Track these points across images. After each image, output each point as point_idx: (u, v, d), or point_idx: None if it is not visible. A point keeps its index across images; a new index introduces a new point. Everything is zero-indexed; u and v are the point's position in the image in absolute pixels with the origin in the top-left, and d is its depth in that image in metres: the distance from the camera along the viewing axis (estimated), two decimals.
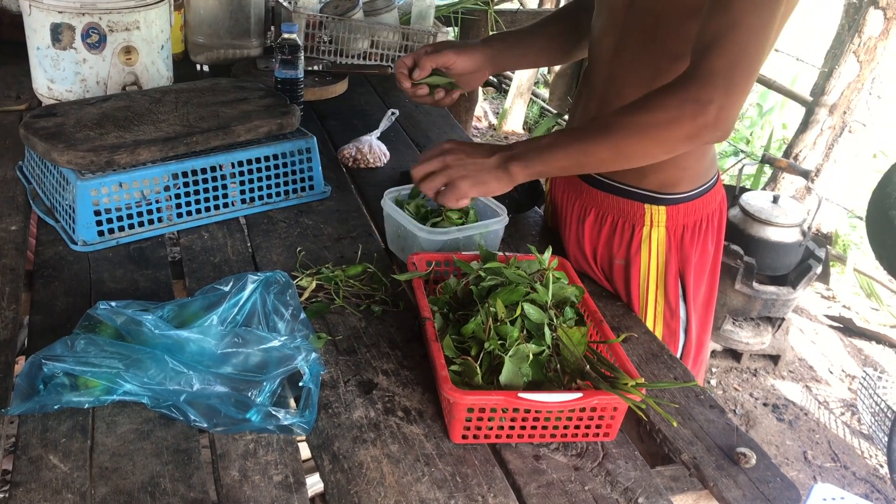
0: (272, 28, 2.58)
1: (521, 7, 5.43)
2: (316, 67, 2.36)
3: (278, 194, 1.67)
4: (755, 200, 3.22)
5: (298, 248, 1.53)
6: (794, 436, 3.12)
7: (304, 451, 1.09)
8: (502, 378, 1.10)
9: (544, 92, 5.93)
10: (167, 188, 1.53)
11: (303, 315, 1.23)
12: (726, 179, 4.33)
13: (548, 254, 1.31)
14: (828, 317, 3.96)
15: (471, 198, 1.28)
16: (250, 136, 1.60)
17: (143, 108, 1.62)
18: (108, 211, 1.47)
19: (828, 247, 3.87)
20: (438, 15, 2.81)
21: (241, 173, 1.61)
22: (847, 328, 3.87)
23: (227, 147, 1.59)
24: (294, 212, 1.67)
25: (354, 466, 1.05)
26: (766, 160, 3.56)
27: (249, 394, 1.08)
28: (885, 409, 2.98)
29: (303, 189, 1.70)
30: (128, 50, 1.84)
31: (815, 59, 4.50)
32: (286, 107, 1.69)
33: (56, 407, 1.06)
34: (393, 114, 2.08)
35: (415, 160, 1.99)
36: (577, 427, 1.12)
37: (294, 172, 1.68)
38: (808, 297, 4.08)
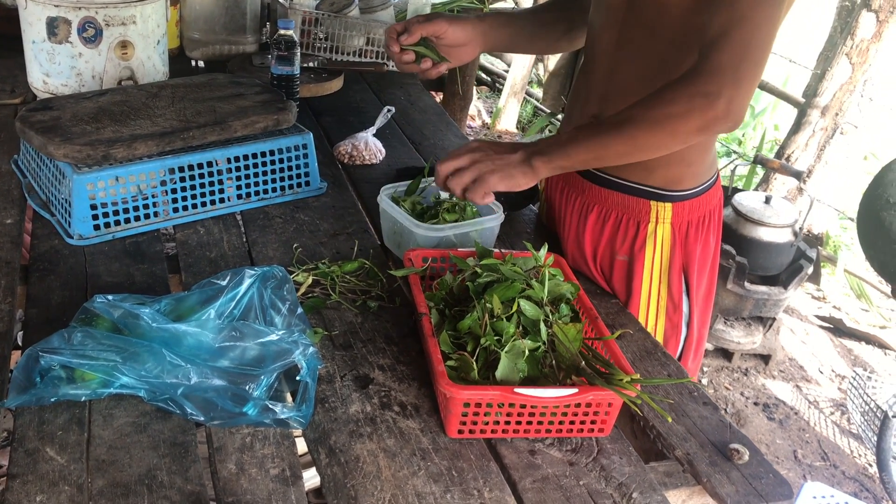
0: (268, 24, 2.58)
1: (516, 6, 5.43)
2: (312, 64, 2.36)
3: (274, 190, 1.68)
4: (747, 201, 3.23)
5: (295, 244, 1.53)
6: (784, 435, 3.14)
7: (301, 445, 1.10)
8: (498, 373, 1.11)
9: (538, 91, 5.93)
10: (163, 183, 1.53)
11: (300, 310, 1.23)
12: None
13: (544, 251, 1.32)
14: (818, 317, 3.98)
15: (497, 191, 1.32)
16: (247, 132, 1.60)
17: (139, 102, 1.62)
18: (104, 205, 1.47)
19: (819, 247, 3.90)
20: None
21: (238, 169, 1.61)
22: (837, 328, 3.89)
23: (224, 142, 1.59)
24: (290, 207, 1.67)
25: (351, 460, 1.05)
26: (758, 161, 3.58)
27: (246, 387, 1.08)
28: (875, 409, 3.00)
29: (299, 185, 1.71)
30: (124, 45, 1.84)
31: (807, 60, 4.52)
32: (282, 103, 1.69)
33: (53, 399, 1.06)
34: (389, 111, 2.08)
35: (410, 157, 2.00)
36: (572, 423, 1.13)
37: (290, 168, 1.69)
38: (799, 297, 4.10)
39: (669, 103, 1.20)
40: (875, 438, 2.75)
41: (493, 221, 1.50)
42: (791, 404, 3.32)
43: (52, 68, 1.83)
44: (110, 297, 1.14)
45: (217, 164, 1.58)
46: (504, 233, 1.64)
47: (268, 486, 1.00)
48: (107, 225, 1.48)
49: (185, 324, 1.11)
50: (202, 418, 1.07)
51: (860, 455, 3.10)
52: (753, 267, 3.16)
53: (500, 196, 1.61)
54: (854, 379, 3.17)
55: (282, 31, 1.88)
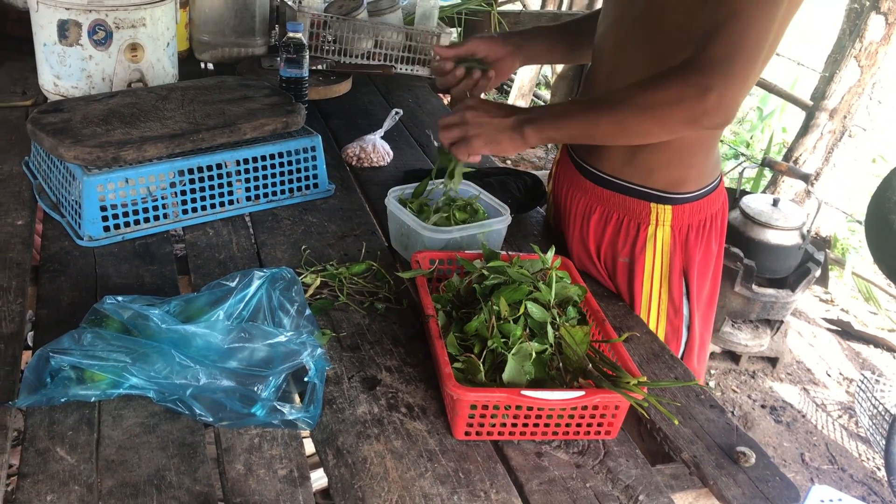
0: (277, 27, 2.59)
1: (524, 8, 5.44)
2: (320, 67, 2.37)
3: (283, 192, 1.69)
4: (755, 203, 3.23)
5: (303, 246, 1.54)
6: (791, 438, 3.13)
7: (309, 446, 1.10)
8: (505, 376, 1.11)
9: (546, 93, 5.93)
10: (173, 185, 1.54)
11: (308, 311, 1.24)
12: (726, 182, 4.33)
13: (551, 253, 1.32)
14: (826, 320, 3.97)
15: (481, 154, 1.36)
16: (256, 134, 1.61)
17: (149, 104, 1.63)
18: (114, 206, 1.48)
19: (827, 250, 3.88)
20: (442, 15, 2.82)
21: (247, 171, 1.62)
22: (845, 331, 3.88)
23: (233, 144, 1.60)
24: (298, 209, 1.68)
25: (358, 461, 1.06)
26: (766, 163, 3.57)
27: (255, 388, 1.09)
28: (883, 413, 2.99)
29: (307, 187, 1.72)
30: (134, 47, 1.85)
31: (815, 63, 4.51)
32: (291, 105, 1.70)
33: (63, 400, 1.07)
34: (396, 113, 2.09)
35: (418, 159, 2.01)
36: (578, 425, 1.13)
37: (299, 170, 1.69)
38: (807, 300, 4.09)
39: (660, 91, 1.20)
40: (883, 442, 2.74)
41: (501, 223, 1.51)
42: (798, 407, 3.31)
43: (62, 70, 1.85)
44: (120, 299, 1.15)
45: (226, 166, 1.59)
46: (511, 234, 1.64)
47: (276, 486, 1.01)
48: (116, 226, 1.49)
49: (194, 325, 1.12)
50: (211, 419, 1.08)
51: (868, 458, 3.09)
52: (761, 270, 3.16)
53: (507, 198, 1.63)
54: (862, 382, 3.16)
55: (290, 34, 1.89)
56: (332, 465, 1.05)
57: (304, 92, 1.97)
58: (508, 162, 5.11)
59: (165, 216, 1.54)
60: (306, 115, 1.73)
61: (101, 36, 1.81)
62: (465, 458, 1.09)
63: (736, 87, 1.17)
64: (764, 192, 4.35)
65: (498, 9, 3.29)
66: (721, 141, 1.55)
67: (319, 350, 1.14)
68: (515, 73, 5.53)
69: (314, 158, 1.71)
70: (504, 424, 1.11)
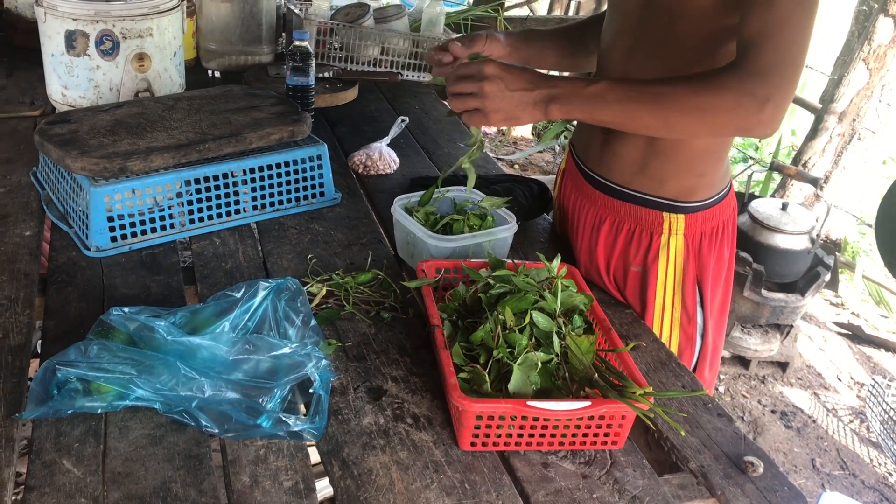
0: (283, 35, 2.60)
1: (531, 14, 5.44)
2: (327, 74, 2.38)
3: (289, 201, 1.69)
4: (764, 208, 3.22)
5: (309, 255, 1.54)
6: (802, 443, 3.11)
7: (314, 457, 1.10)
8: (511, 386, 1.11)
9: None
10: (179, 195, 1.54)
11: (313, 321, 1.24)
12: (735, 186, 4.32)
13: (556, 262, 1.32)
14: (836, 324, 3.95)
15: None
16: (262, 144, 1.62)
17: (155, 114, 1.63)
18: (120, 217, 1.48)
19: (837, 254, 3.86)
20: (448, 22, 2.82)
21: (253, 180, 1.62)
22: (856, 335, 3.86)
23: (239, 154, 1.60)
24: (305, 218, 1.68)
25: (364, 473, 1.06)
26: (774, 167, 3.56)
27: (260, 400, 1.09)
28: (895, 417, 2.97)
29: (314, 195, 1.72)
30: (141, 57, 1.86)
31: (824, 66, 4.50)
32: (297, 114, 1.70)
33: (69, 412, 1.07)
34: (403, 121, 2.09)
35: (424, 167, 2.00)
36: (585, 435, 1.12)
37: (305, 179, 1.70)
38: (817, 304, 4.07)
39: (715, 96, 1.17)
40: (895, 447, 2.73)
41: (507, 232, 1.50)
42: (809, 412, 3.30)
43: (70, 81, 1.86)
44: (126, 310, 1.15)
45: (233, 176, 1.60)
46: (518, 242, 1.64)
47: (281, 498, 1.01)
48: (123, 237, 1.49)
49: (200, 337, 1.12)
50: (216, 430, 1.08)
51: (880, 464, 3.07)
52: (770, 274, 3.14)
53: (513, 205, 1.62)
54: (873, 387, 3.14)
55: (297, 42, 1.90)
56: (337, 476, 1.05)
57: (311, 100, 1.97)
58: (516, 167, 5.11)
59: (172, 226, 1.55)
60: (312, 123, 1.74)
61: (109, 46, 1.82)
62: (470, 469, 1.09)
63: (788, 96, 1.16)
64: (773, 196, 4.34)
65: (504, 14, 3.29)
66: (730, 144, 1.55)
67: (324, 361, 1.14)
68: None
69: (320, 167, 1.71)
70: (510, 435, 1.11)
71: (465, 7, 3.33)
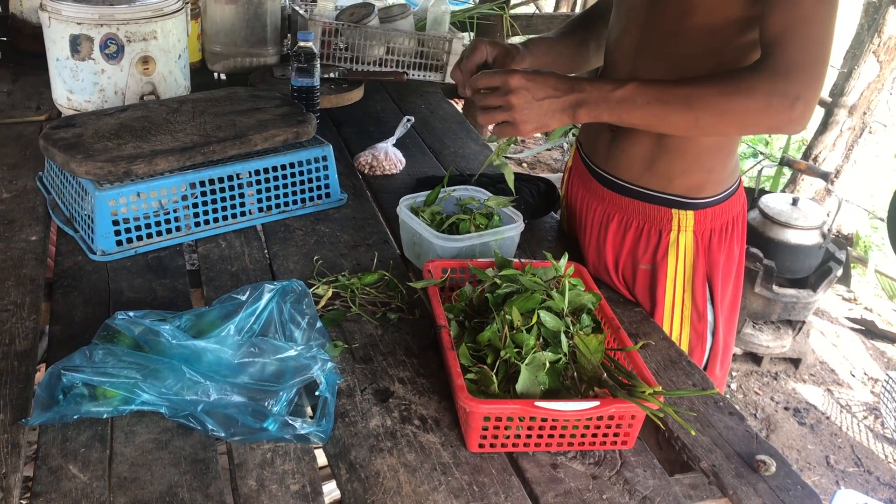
0: (288, 36, 2.59)
1: (537, 11, 5.42)
2: (332, 74, 2.37)
3: (295, 202, 1.68)
4: (774, 203, 3.19)
5: (315, 257, 1.53)
6: (815, 440, 3.09)
7: (321, 460, 1.09)
8: (519, 386, 1.10)
9: None
10: (185, 197, 1.54)
11: (319, 324, 1.23)
12: (745, 181, 4.29)
13: (564, 260, 1.31)
14: (849, 319, 3.91)
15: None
16: (267, 145, 1.61)
17: (160, 117, 1.63)
18: (126, 221, 1.48)
19: (848, 248, 3.84)
20: (454, 21, 2.81)
21: (258, 182, 1.62)
22: (869, 330, 3.83)
23: (244, 156, 1.60)
24: (311, 219, 1.67)
25: (371, 475, 1.05)
26: (785, 162, 3.53)
27: (266, 403, 1.08)
28: None
29: (319, 197, 1.71)
30: (145, 60, 1.86)
31: (833, 59, 4.46)
32: (302, 115, 1.70)
33: (75, 417, 1.07)
34: (409, 120, 2.08)
35: (430, 166, 1.99)
36: (594, 435, 1.11)
37: (310, 180, 1.69)
38: (829, 299, 4.04)
39: (746, 98, 1.17)
40: None
41: (514, 231, 1.49)
42: (822, 409, 3.27)
43: (75, 85, 1.86)
44: (131, 314, 1.15)
45: (238, 178, 1.59)
46: (525, 241, 1.63)
47: (288, 501, 1.00)
48: (129, 240, 1.49)
49: (205, 340, 1.11)
50: (223, 434, 1.07)
51: (895, 460, 3.04)
52: (781, 270, 3.12)
53: (520, 204, 1.61)
54: (887, 382, 3.11)
55: (302, 43, 1.89)
56: (344, 479, 1.04)
57: (316, 101, 1.96)
58: (524, 165, 5.10)
59: (178, 229, 1.54)
60: (318, 124, 1.73)
61: (113, 50, 1.81)
62: (479, 470, 1.08)
63: (817, 93, 1.17)
64: (783, 191, 4.31)
65: (510, 12, 3.28)
66: (739, 140, 1.53)
67: (330, 364, 1.14)
68: None
69: (326, 168, 1.70)
70: (518, 436, 1.10)
71: (471, 5, 3.32)
